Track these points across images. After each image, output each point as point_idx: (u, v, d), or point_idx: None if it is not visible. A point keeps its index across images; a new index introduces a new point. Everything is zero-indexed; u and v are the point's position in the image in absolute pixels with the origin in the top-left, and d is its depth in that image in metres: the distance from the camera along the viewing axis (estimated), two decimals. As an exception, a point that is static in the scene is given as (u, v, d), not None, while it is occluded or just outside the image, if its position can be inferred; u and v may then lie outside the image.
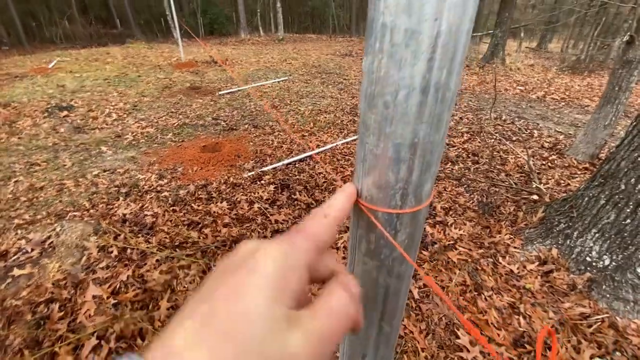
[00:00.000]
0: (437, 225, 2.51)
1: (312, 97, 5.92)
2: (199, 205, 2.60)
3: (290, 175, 3.17)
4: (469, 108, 5.55)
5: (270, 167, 3.30)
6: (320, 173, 3.24)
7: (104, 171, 3.23)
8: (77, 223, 2.23)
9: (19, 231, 2.24)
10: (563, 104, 5.96)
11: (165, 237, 2.17)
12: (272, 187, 2.90)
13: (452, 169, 3.38)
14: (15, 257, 1.92)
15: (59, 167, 3.33)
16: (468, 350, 1.52)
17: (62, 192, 2.86)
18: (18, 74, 7.19)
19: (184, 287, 1.76)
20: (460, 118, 5.04)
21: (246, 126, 4.44)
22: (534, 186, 2.87)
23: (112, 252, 1.98)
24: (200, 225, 2.34)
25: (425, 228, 2.48)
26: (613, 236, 1.83)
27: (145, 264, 1.91)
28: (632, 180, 1.77)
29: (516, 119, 4.99)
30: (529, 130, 4.48)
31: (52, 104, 5.06)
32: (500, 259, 2.08)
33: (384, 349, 0.41)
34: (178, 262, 1.92)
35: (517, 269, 2.00)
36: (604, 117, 3.36)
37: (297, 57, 10.52)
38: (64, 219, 2.38)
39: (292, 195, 2.82)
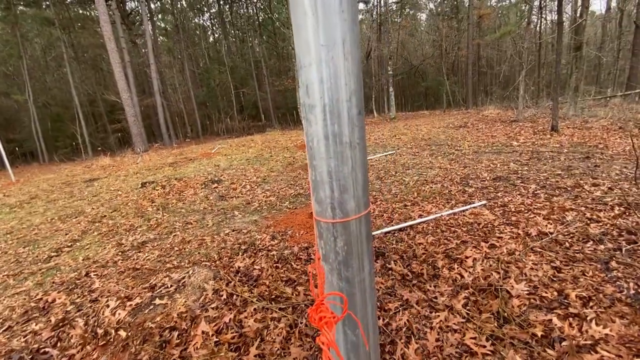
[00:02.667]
0: (570, 318, 1.99)
1: (419, 168, 5.92)
2: (297, 265, 2.82)
3: (387, 243, 3.14)
4: (624, 176, 4.48)
5: (368, 234, 3.35)
6: (420, 244, 3.09)
7: (233, 231, 3.91)
8: (204, 269, 2.74)
9: (166, 272, 2.89)
10: None
11: (265, 290, 2.41)
12: (367, 254, 2.92)
13: (595, 249, 2.71)
14: (159, 290, 2.47)
15: (203, 226, 4.22)
16: None
17: (201, 245, 3.58)
18: (191, 157, 9.83)
19: (272, 338, 1.87)
20: (610, 188, 4.09)
21: (351, 196, 4.72)
22: None
23: (222, 295, 2.32)
24: (295, 283, 2.52)
25: (551, 320, 1.99)
26: None
27: (245, 310, 2.15)
28: None
29: None
30: None
31: (208, 179, 6.61)
32: (676, 379, 1.46)
33: None
34: (271, 313, 2.08)
35: None
36: None
37: (407, 132, 10.90)
38: (197, 266, 2.95)
39: (387, 264, 2.75)
